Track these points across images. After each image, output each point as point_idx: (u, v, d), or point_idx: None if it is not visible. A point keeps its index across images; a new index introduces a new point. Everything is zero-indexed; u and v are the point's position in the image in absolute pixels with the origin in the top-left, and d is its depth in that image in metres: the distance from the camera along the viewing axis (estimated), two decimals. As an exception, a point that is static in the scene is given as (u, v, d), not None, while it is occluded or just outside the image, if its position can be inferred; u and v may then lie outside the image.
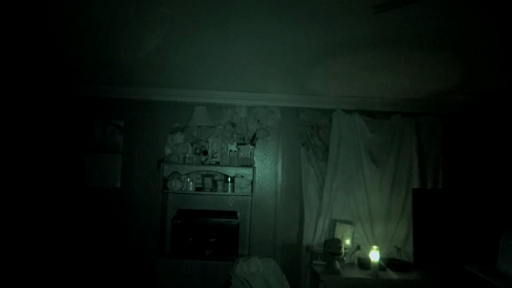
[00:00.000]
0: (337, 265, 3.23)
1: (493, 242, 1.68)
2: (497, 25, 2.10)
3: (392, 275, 3.25)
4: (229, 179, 3.59)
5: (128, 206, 3.76)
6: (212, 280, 3.29)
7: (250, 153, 3.65)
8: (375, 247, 3.28)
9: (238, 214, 3.72)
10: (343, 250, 3.28)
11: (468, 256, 3.24)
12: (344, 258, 3.42)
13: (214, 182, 3.64)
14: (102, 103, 3.81)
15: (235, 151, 3.67)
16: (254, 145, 3.72)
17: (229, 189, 3.57)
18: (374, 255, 3.23)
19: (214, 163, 3.61)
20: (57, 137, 3.75)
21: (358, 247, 3.56)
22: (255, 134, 3.74)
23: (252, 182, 3.63)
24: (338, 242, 3.27)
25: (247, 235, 3.69)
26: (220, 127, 3.75)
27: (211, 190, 3.61)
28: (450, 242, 3.36)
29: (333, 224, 3.68)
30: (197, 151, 3.63)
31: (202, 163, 3.60)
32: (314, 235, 3.69)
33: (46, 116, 3.75)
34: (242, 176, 3.68)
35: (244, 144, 3.67)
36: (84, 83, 3.70)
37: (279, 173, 3.88)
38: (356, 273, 3.27)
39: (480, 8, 1.91)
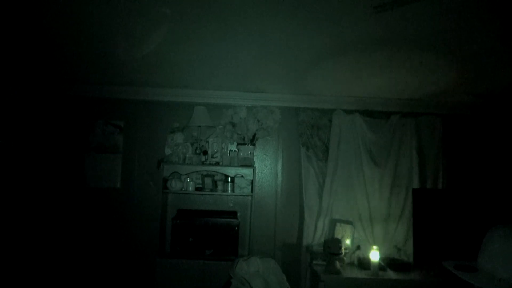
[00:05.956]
0: (337, 265, 3.23)
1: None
2: (497, 25, 2.10)
3: (392, 275, 3.24)
4: (229, 179, 3.59)
5: (128, 206, 3.77)
6: (212, 280, 3.29)
7: (250, 153, 3.65)
8: (375, 247, 3.29)
9: (238, 214, 3.72)
10: (343, 250, 3.28)
11: (468, 256, 3.24)
12: (344, 258, 3.42)
13: (214, 182, 3.64)
14: (102, 103, 3.81)
15: (235, 151, 3.67)
16: (254, 145, 3.72)
17: (229, 189, 3.57)
18: (374, 255, 3.23)
19: (214, 163, 3.61)
20: (57, 137, 3.75)
21: (358, 247, 3.56)
22: (255, 134, 3.74)
23: (252, 182, 3.63)
24: (338, 242, 3.27)
25: (247, 235, 3.69)
26: (220, 127, 3.75)
27: (211, 190, 3.61)
28: (450, 242, 3.35)
29: (333, 224, 3.68)
30: (197, 151, 3.63)
31: (202, 163, 3.59)
32: (314, 235, 3.69)
33: (46, 117, 3.75)
34: (242, 176, 3.68)
35: (244, 144, 3.67)
36: (84, 83, 3.70)
37: (279, 173, 3.88)
38: (356, 273, 3.27)
39: (480, 7, 1.91)
